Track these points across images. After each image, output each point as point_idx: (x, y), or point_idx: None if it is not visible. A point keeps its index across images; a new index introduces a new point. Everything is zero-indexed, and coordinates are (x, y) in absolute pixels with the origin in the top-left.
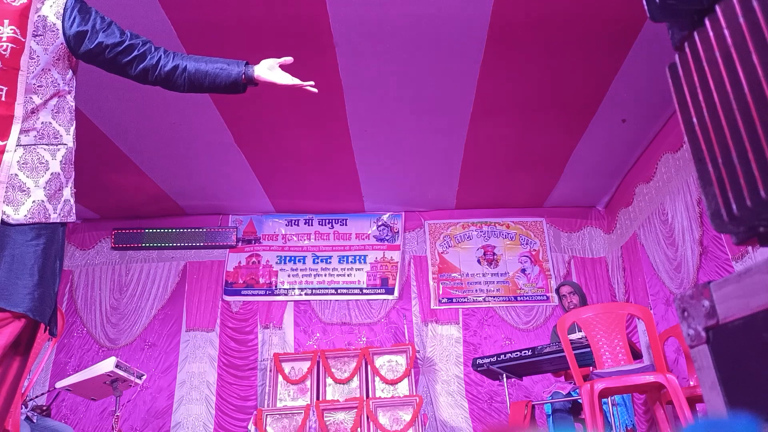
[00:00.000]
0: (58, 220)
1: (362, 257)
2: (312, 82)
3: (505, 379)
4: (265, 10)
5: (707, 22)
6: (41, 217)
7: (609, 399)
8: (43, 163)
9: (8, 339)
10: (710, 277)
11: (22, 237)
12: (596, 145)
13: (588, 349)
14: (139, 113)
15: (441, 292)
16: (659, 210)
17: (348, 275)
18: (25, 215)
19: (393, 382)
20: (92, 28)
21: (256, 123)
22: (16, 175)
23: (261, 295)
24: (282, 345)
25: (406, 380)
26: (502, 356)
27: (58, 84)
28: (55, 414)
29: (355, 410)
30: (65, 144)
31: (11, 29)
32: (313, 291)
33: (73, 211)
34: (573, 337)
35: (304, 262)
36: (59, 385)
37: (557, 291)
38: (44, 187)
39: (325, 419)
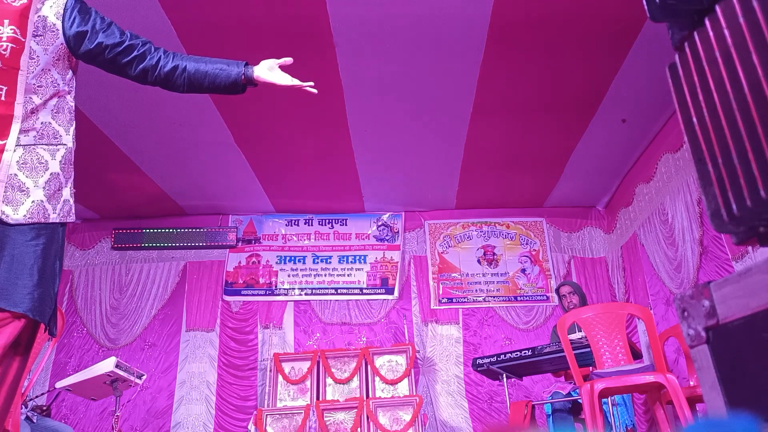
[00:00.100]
0: (58, 220)
1: (362, 257)
2: (311, 83)
3: (505, 379)
4: (265, 10)
5: (707, 22)
6: (40, 217)
7: (609, 399)
8: (42, 163)
9: (8, 339)
10: (710, 277)
11: (22, 237)
12: (596, 145)
13: (588, 349)
14: (139, 113)
15: (441, 292)
16: (659, 210)
17: (348, 275)
18: (25, 215)
19: (393, 382)
20: (92, 29)
21: (256, 123)
22: (15, 175)
23: (261, 295)
24: (282, 345)
25: (406, 380)
26: (502, 356)
27: (58, 84)
28: (55, 414)
29: (355, 410)
30: (65, 144)
31: (11, 29)
32: (313, 291)
33: (73, 211)
34: (573, 337)
35: (304, 262)
36: (59, 385)
37: (557, 291)
38: (44, 187)
39: (325, 419)
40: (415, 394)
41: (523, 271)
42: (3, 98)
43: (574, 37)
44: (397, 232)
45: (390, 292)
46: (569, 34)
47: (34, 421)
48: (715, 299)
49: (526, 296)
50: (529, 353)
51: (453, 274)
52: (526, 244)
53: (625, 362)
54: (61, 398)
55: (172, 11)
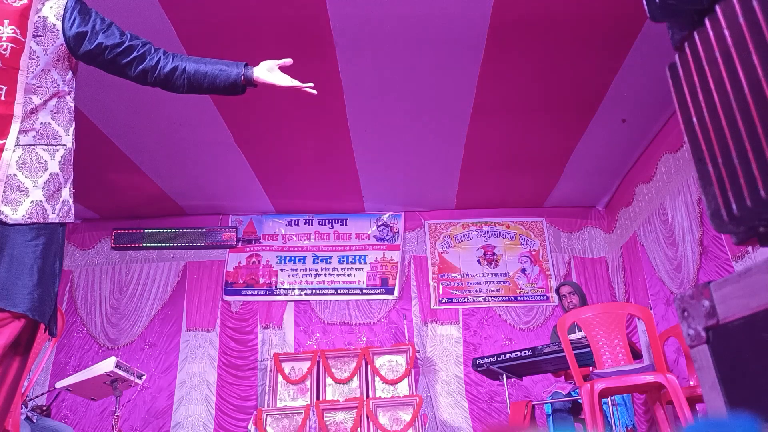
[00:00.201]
0: (57, 221)
1: (362, 257)
2: (311, 84)
3: (505, 379)
4: (265, 10)
5: (707, 22)
6: (39, 218)
7: (609, 399)
8: (41, 163)
9: (8, 339)
10: (710, 277)
11: (22, 237)
12: (596, 145)
13: (588, 349)
14: (139, 113)
15: (441, 292)
16: (659, 210)
17: (348, 275)
18: (24, 215)
19: (393, 382)
20: (92, 29)
21: (256, 123)
22: (14, 175)
23: (261, 295)
24: (282, 345)
25: (406, 380)
26: (502, 356)
27: (58, 85)
28: (55, 414)
29: (355, 410)
30: (64, 144)
31: (11, 29)
32: (313, 291)
33: (72, 211)
34: (573, 337)
35: (304, 262)
36: (59, 385)
37: (557, 291)
38: (43, 188)
39: (325, 419)
40: (415, 394)
41: (523, 271)
42: (3, 98)
43: (574, 36)
44: (397, 232)
45: (390, 292)
46: (569, 34)
47: (34, 421)
48: (715, 299)
49: (526, 296)
50: (529, 353)
51: (453, 274)
52: (526, 244)
53: (625, 362)
54: (61, 398)
55: (172, 11)
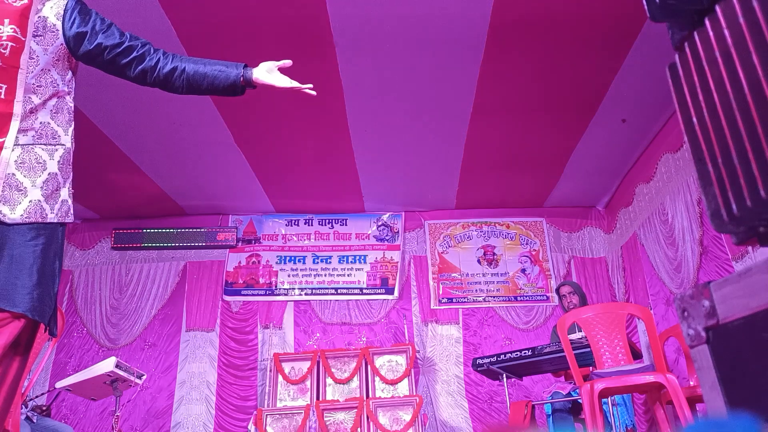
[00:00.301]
0: (56, 220)
1: (362, 257)
2: (310, 85)
3: (505, 379)
4: (265, 10)
5: (707, 22)
6: (38, 217)
7: (609, 399)
8: (40, 162)
9: (8, 339)
10: (710, 277)
11: (21, 237)
12: (596, 145)
13: (588, 349)
14: (139, 113)
15: (441, 292)
16: (659, 210)
17: (348, 275)
18: (22, 215)
19: (393, 382)
20: (92, 30)
21: (256, 123)
22: (13, 174)
23: (261, 295)
24: (282, 345)
25: (406, 380)
26: (502, 356)
27: (58, 84)
28: (55, 414)
29: (355, 410)
30: (63, 144)
31: (11, 28)
32: (313, 291)
33: (71, 211)
34: (573, 337)
35: (304, 262)
36: (59, 385)
37: (557, 291)
38: (41, 187)
39: (325, 419)
40: (415, 394)
41: (523, 271)
42: (3, 96)
43: (574, 37)
44: (397, 232)
45: (390, 292)
46: (569, 34)
47: (34, 421)
48: (715, 299)
49: (526, 296)
50: (529, 353)
51: (453, 274)
52: (526, 244)
53: (625, 362)
54: (61, 398)
55: (172, 11)
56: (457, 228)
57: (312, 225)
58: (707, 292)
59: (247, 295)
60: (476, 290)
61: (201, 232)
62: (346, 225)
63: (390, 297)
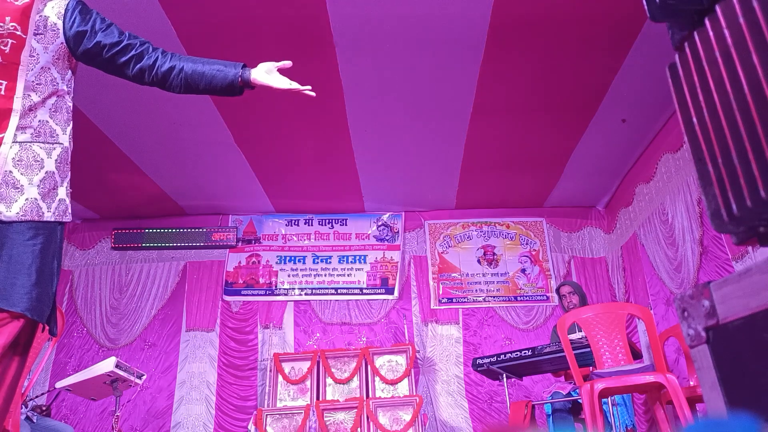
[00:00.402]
0: (53, 219)
1: (362, 257)
2: (310, 87)
3: (505, 379)
4: (265, 10)
5: (707, 22)
6: (34, 215)
7: (609, 399)
8: (38, 161)
9: (7, 339)
10: (710, 277)
11: (20, 236)
12: (596, 145)
13: (588, 349)
14: (139, 113)
15: (441, 292)
16: (659, 210)
17: (348, 275)
18: (18, 213)
19: (393, 382)
20: (91, 29)
21: (256, 123)
22: (10, 171)
23: (261, 295)
24: (282, 345)
25: (406, 380)
26: (502, 356)
27: (57, 83)
28: (55, 414)
29: (355, 410)
30: (61, 143)
31: (12, 26)
32: (313, 291)
33: (69, 210)
34: (573, 337)
35: (304, 262)
36: (59, 385)
37: (557, 291)
38: (38, 186)
39: (325, 419)
40: (415, 394)
41: (523, 271)
42: (3, 92)
43: (574, 37)
44: (397, 232)
45: (390, 292)
46: (569, 34)
47: (34, 421)
48: (715, 299)
49: (526, 296)
50: (529, 353)
51: (453, 274)
52: (526, 244)
53: (625, 362)
54: (61, 398)
55: (172, 11)
56: (457, 228)
57: (312, 225)
58: (707, 292)
59: (247, 295)
60: (476, 290)
61: (201, 232)
62: (346, 225)
63: (390, 297)
